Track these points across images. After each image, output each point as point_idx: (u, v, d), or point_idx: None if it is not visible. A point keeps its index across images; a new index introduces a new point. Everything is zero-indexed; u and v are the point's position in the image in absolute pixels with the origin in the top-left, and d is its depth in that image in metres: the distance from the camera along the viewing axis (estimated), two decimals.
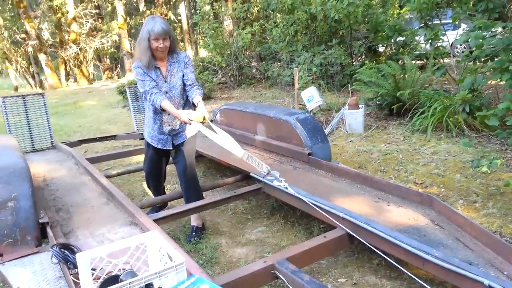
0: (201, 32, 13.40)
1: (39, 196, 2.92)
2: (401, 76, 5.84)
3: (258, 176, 3.08)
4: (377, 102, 6.03)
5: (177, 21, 25.36)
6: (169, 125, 2.81)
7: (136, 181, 4.45)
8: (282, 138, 3.67)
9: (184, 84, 2.73)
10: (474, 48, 3.68)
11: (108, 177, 3.64)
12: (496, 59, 3.13)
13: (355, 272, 2.37)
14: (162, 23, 2.50)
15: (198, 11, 10.48)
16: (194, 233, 2.96)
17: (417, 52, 7.78)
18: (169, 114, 2.72)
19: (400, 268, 1.94)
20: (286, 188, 2.46)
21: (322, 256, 2.30)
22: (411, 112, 5.14)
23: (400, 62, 7.58)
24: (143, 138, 5.65)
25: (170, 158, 3.19)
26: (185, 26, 22.90)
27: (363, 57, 8.54)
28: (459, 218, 2.18)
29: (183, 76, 2.71)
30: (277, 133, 3.73)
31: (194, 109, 2.70)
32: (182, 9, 22.88)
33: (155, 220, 2.59)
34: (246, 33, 9.21)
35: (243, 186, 3.34)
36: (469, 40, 3.35)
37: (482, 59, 3.60)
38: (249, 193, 3.06)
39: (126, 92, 8.90)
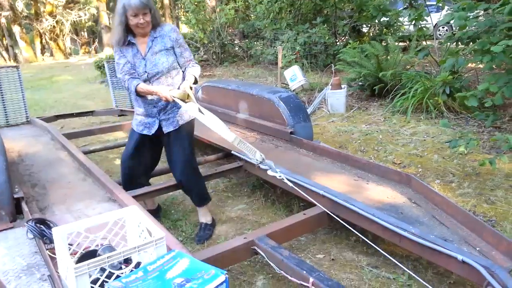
0: (182, 7, 13.08)
1: (13, 171, 2.84)
2: (384, 57, 5.86)
3: (239, 154, 3.07)
4: (360, 83, 6.05)
5: None
6: (155, 107, 2.47)
7: (114, 158, 4.38)
8: (265, 116, 3.64)
9: (177, 63, 2.45)
10: (457, 30, 3.70)
11: (85, 153, 3.56)
12: (478, 41, 3.15)
13: (333, 249, 2.41)
14: None
15: None
16: (203, 232, 2.66)
17: (400, 34, 7.80)
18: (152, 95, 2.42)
19: (374, 246, 1.98)
20: (283, 179, 2.24)
21: (301, 233, 2.32)
22: (392, 93, 5.17)
23: (383, 43, 7.59)
24: (122, 115, 5.65)
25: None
26: (166, 0, 22.28)
27: (347, 37, 8.51)
28: (436, 197, 2.22)
29: (177, 56, 2.44)
30: (260, 111, 3.71)
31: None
32: None
33: (134, 197, 2.56)
34: (229, 9, 9.03)
35: (224, 164, 3.33)
36: (452, 21, 3.36)
37: (465, 41, 3.62)
38: (230, 171, 3.05)
39: (104, 67, 8.67)
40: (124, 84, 2.40)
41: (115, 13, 2.30)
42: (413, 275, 1.71)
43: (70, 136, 3.99)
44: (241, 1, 9.35)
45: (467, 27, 3.25)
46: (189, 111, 2.28)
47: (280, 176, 2.15)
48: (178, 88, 2.42)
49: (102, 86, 9.13)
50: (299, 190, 2.34)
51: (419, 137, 4.14)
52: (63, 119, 5.26)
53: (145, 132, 2.55)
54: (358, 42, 8.14)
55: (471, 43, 3.80)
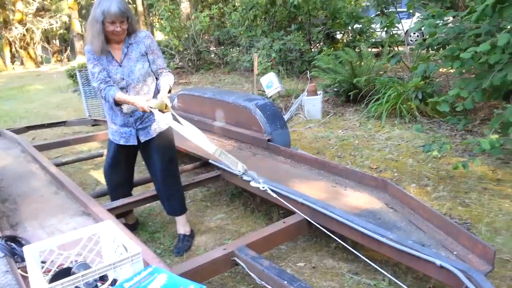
0: (157, 14, 12.97)
1: None
2: (358, 63, 5.96)
3: (217, 163, 3.04)
4: (335, 89, 6.13)
5: (131, 2, 24.39)
6: (132, 116, 2.41)
7: (88, 169, 4.27)
8: (241, 124, 3.63)
9: (151, 70, 2.39)
10: (427, 36, 3.80)
11: (57, 165, 3.46)
12: (447, 47, 3.24)
13: (314, 256, 2.41)
14: (118, 3, 2.16)
15: None
16: (182, 243, 2.61)
17: (373, 40, 7.96)
18: (128, 104, 2.36)
19: (355, 252, 1.99)
20: (266, 190, 2.21)
21: (281, 241, 2.31)
22: (367, 99, 5.26)
23: (356, 49, 7.73)
24: (96, 124, 5.52)
25: None
26: (140, 7, 22.05)
27: (321, 43, 8.62)
28: (412, 201, 2.25)
29: (150, 63, 2.38)
30: (236, 119, 3.69)
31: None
32: None
33: (110, 210, 2.50)
34: (204, 16, 9.01)
35: (202, 173, 3.29)
36: (423, 28, 3.45)
37: (435, 47, 3.72)
38: (208, 180, 3.02)
39: (76, 76, 8.48)
40: (100, 93, 2.32)
41: (92, 19, 2.20)
42: (394, 279, 1.73)
43: (41, 148, 3.86)
44: (216, 9, 9.35)
45: (437, 34, 3.34)
46: (167, 122, 2.21)
47: (263, 188, 2.13)
48: (155, 98, 2.38)
49: (74, 95, 8.92)
50: (282, 200, 2.33)
51: (394, 141, 4.22)
52: (34, 130, 5.09)
53: (122, 143, 2.49)
54: (332, 48, 8.28)
55: (441, 49, 3.92)
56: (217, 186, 3.55)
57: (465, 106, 3.06)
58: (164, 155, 2.55)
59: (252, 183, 2.17)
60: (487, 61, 2.81)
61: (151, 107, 2.19)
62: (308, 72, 5.84)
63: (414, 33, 12.25)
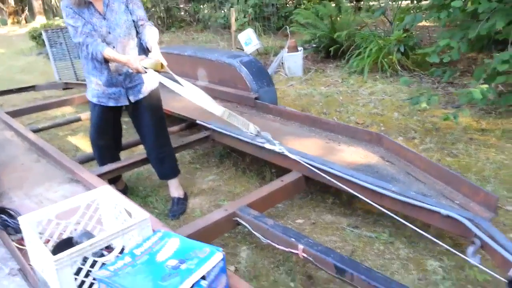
0: None
1: None
2: (337, 17, 5.83)
3: (205, 123, 2.94)
4: (313, 45, 6.01)
5: None
6: (120, 74, 2.25)
7: (65, 135, 4.08)
8: (226, 82, 3.51)
9: (134, 22, 2.21)
10: None
11: (34, 131, 3.26)
12: None
13: (311, 213, 2.42)
14: None
15: None
16: (177, 206, 2.54)
17: None
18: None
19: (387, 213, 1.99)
20: (283, 152, 2.02)
21: (280, 200, 2.29)
22: (348, 54, 5.18)
23: (333, 4, 7.56)
24: (67, 88, 5.23)
25: None
26: None
27: None
28: (408, 153, 2.26)
29: (131, 14, 2.19)
30: (220, 77, 3.56)
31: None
32: None
33: (99, 176, 2.39)
34: None
35: (187, 135, 3.20)
36: None
37: None
38: (197, 141, 2.93)
39: (41, 37, 7.94)
40: (85, 49, 2.11)
41: None
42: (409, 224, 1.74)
43: (14, 114, 3.63)
44: None
45: None
46: (166, 83, 2.03)
47: (280, 149, 1.97)
48: (141, 54, 2.23)
49: (39, 58, 8.40)
50: (300, 160, 2.11)
51: (377, 96, 4.22)
52: (2, 96, 4.78)
53: (111, 104, 2.33)
54: (309, 2, 8.06)
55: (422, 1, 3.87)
56: (204, 147, 3.46)
57: (452, 57, 3.05)
58: (155, 115, 2.44)
59: (267, 145, 2.02)
60: (476, 10, 2.78)
61: (145, 68, 2.02)
62: (288, 28, 5.66)
63: None
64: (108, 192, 1.60)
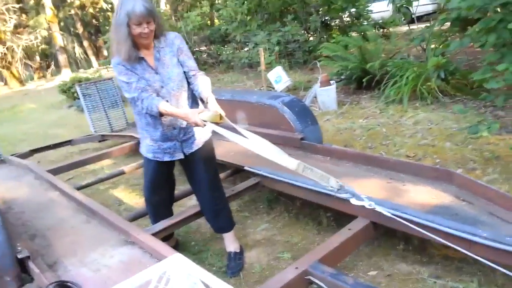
0: None
1: (9, 225, 2.46)
2: (365, 47, 5.76)
3: (253, 169, 2.83)
4: (342, 77, 5.93)
5: (110, 10, 23.93)
6: (175, 128, 2.19)
7: (106, 189, 4.03)
8: (268, 124, 3.41)
9: (184, 73, 2.16)
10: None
11: (78, 189, 3.22)
12: (481, 20, 3.05)
13: (383, 262, 2.22)
14: (144, 2, 1.93)
15: None
16: (234, 262, 2.40)
17: (373, 22, 7.78)
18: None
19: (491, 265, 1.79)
20: (374, 208, 1.80)
21: (351, 251, 2.11)
22: (383, 83, 5.05)
23: (354, 34, 7.54)
24: (103, 140, 5.25)
25: None
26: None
27: (318, 32, 8.41)
28: (487, 190, 2.07)
29: (182, 66, 2.15)
30: (262, 119, 3.47)
31: (205, 106, 2.10)
32: None
33: (154, 235, 2.27)
34: (195, 16, 8.72)
35: (233, 181, 3.09)
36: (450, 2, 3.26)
37: (458, 22, 3.54)
38: (247, 189, 2.80)
39: (70, 90, 8.17)
40: (140, 104, 2.05)
41: (115, 25, 1.97)
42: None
43: (55, 172, 3.61)
44: (207, 6, 9.06)
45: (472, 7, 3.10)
46: (229, 137, 1.94)
47: (370, 205, 1.77)
48: (193, 106, 2.18)
49: (71, 111, 8.61)
50: (391, 216, 1.84)
51: (423, 125, 4.04)
52: (39, 152, 4.83)
53: (166, 159, 2.26)
54: (328, 36, 8.09)
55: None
56: (249, 193, 3.33)
57: (507, 81, 2.88)
58: (210, 167, 2.36)
59: (353, 201, 1.79)
60: None
61: (204, 121, 1.95)
62: (318, 62, 5.62)
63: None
64: (179, 261, 1.47)
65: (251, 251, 2.55)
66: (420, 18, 8.84)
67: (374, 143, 3.87)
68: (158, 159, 2.26)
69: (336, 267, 2.19)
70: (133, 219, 2.73)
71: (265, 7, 8.35)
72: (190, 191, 2.94)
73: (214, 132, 2.14)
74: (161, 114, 2.04)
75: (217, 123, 1.96)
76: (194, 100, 2.27)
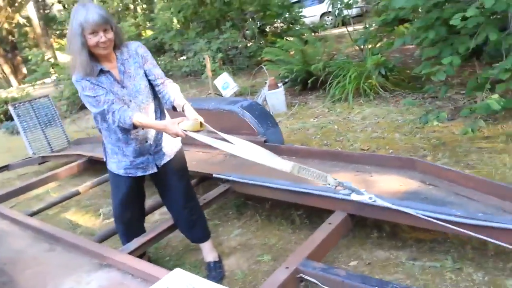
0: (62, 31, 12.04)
1: None
2: (306, 50, 5.95)
3: (223, 175, 2.79)
4: (286, 80, 6.07)
5: (28, 25, 22.38)
6: (147, 141, 2.10)
7: (56, 214, 3.75)
8: (229, 129, 3.30)
9: (150, 82, 2.06)
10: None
11: (30, 216, 2.96)
12: (420, 18, 3.30)
13: (361, 252, 2.29)
14: (98, 9, 1.81)
15: (64, 7, 9.27)
16: (215, 271, 2.34)
17: (307, 27, 8.07)
18: (143, 129, 2.05)
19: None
20: (375, 201, 1.76)
21: (334, 244, 2.15)
22: (328, 83, 5.25)
23: (290, 38, 7.79)
24: (44, 162, 4.88)
25: None
26: (38, 29, 20.25)
27: (256, 38, 8.54)
28: (449, 173, 2.23)
29: (147, 75, 2.04)
30: (222, 125, 3.37)
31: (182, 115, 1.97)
32: (31, 9, 20.09)
33: (131, 253, 2.16)
34: (129, 26, 8.44)
35: (198, 191, 3.02)
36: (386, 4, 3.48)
37: (395, 22, 3.79)
38: (218, 196, 2.76)
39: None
40: (110, 117, 1.90)
41: (70, 37, 1.83)
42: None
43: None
44: (141, 15, 8.80)
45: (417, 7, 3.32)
46: (212, 143, 1.87)
47: (371, 198, 1.75)
48: (159, 117, 2.11)
49: None
50: (395, 208, 1.82)
51: (371, 120, 4.26)
52: None
53: (139, 174, 2.16)
54: (264, 41, 8.26)
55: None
56: (220, 201, 3.27)
57: (448, 73, 3.14)
58: (183, 177, 2.29)
59: (353, 196, 1.78)
60: (465, 26, 2.89)
61: (185, 130, 1.87)
62: (264, 67, 5.70)
63: (328, 16, 12.74)
64: (180, 276, 1.41)
65: (229, 258, 2.51)
66: (344, 22, 9.37)
67: (328, 140, 4.00)
68: (130, 175, 2.15)
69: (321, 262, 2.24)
70: (100, 241, 2.56)
71: (202, 15, 8.31)
72: (158, 205, 2.85)
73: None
74: (135, 127, 1.92)
75: (197, 131, 1.90)
76: (162, 111, 2.19)
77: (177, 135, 1.88)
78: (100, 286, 1.89)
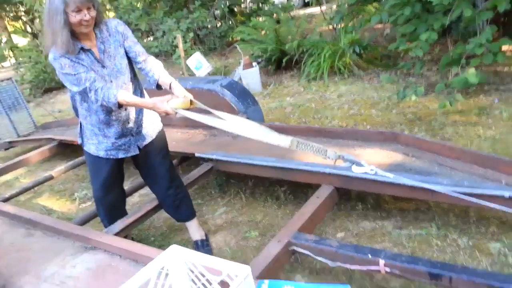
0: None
1: None
2: (279, 29, 5.90)
3: (205, 155, 2.75)
4: (260, 60, 6.01)
5: None
6: (129, 122, 2.02)
7: (28, 200, 3.60)
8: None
9: (130, 60, 1.96)
10: None
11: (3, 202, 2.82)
12: None
13: (348, 224, 2.33)
14: None
15: None
16: (203, 249, 2.30)
17: (276, 7, 7.98)
18: (126, 109, 1.97)
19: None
20: (376, 173, 1.76)
21: (322, 216, 2.17)
22: (303, 62, 5.23)
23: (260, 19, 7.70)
24: (11, 147, 4.65)
25: None
26: None
27: (226, 17, 8.37)
28: (432, 145, 2.28)
29: (128, 53, 1.94)
30: None
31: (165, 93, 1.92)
32: None
33: (116, 234, 2.10)
34: None
35: (182, 171, 2.97)
36: None
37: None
38: (202, 176, 2.71)
39: None
40: (93, 95, 1.80)
41: (50, 14, 1.71)
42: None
43: None
44: None
45: None
46: (205, 121, 1.83)
47: (372, 170, 1.75)
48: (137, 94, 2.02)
49: None
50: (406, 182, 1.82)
51: (347, 97, 4.30)
52: None
53: (120, 156, 2.07)
54: (236, 21, 8.12)
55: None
56: (203, 180, 3.23)
57: (424, 50, 3.20)
58: (165, 157, 2.23)
59: (354, 168, 1.77)
60: (441, 2, 2.94)
61: (175, 108, 1.80)
62: (237, 46, 5.61)
63: None
64: (178, 253, 1.38)
65: (216, 236, 2.50)
66: (308, 3, 9.39)
67: (307, 118, 4.01)
68: (111, 157, 2.07)
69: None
70: (81, 224, 2.47)
71: None
72: (137, 187, 2.78)
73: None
74: (120, 106, 1.83)
75: (188, 109, 1.84)
76: (142, 91, 2.12)
77: (166, 114, 1.82)
78: (87, 269, 1.84)
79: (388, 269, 1.62)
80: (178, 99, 1.83)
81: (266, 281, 1.25)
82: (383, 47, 5.18)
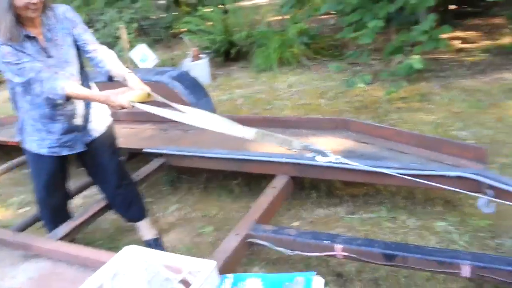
0: None
1: None
2: (226, 20, 5.82)
3: (155, 149, 2.64)
4: (208, 52, 5.91)
5: None
6: (76, 117, 1.87)
7: None
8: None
9: (78, 49, 1.81)
10: None
11: None
12: None
13: (302, 212, 2.34)
14: None
15: None
16: (156, 249, 2.16)
17: None
18: (73, 103, 1.81)
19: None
20: (341, 162, 1.71)
21: (279, 206, 2.16)
22: (251, 53, 5.20)
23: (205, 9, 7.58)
24: None
25: None
26: None
27: (170, 8, 8.14)
28: (382, 130, 2.34)
29: (77, 41, 1.79)
30: None
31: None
32: None
33: (61, 239, 1.96)
34: None
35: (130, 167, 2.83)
36: None
37: None
38: (153, 172, 2.60)
39: None
40: (39, 87, 1.65)
41: None
42: None
43: None
44: None
45: None
46: (163, 114, 1.71)
47: (337, 159, 1.69)
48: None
49: None
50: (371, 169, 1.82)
51: (296, 88, 4.33)
52: None
53: (65, 153, 1.91)
54: (181, 11, 7.93)
55: None
56: (154, 176, 3.10)
57: (370, 38, 3.28)
58: (114, 154, 2.09)
59: (319, 158, 1.72)
60: None
61: (132, 102, 1.67)
62: (185, 37, 5.46)
63: None
64: (132, 253, 1.30)
65: (169, 234, 2.41)
66: None
67: (258, 110, 4.00)
68: (55, 154, 1.91)
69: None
70: (20, 231, 2.28)
71: None
72: (83, 187, 2.61)
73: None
74: (67, 98, 1.68)
75: (144, 102, 1.74)
76: (88, 83, 1.96)
77: (122, 107, 1.70)
78: (30, 279, 1.70)
79: (345, 253, 1.64)
80: (134, 92, 1.71)
81: (230, 275, 1.22)
82: (330, 37, 5.28)
